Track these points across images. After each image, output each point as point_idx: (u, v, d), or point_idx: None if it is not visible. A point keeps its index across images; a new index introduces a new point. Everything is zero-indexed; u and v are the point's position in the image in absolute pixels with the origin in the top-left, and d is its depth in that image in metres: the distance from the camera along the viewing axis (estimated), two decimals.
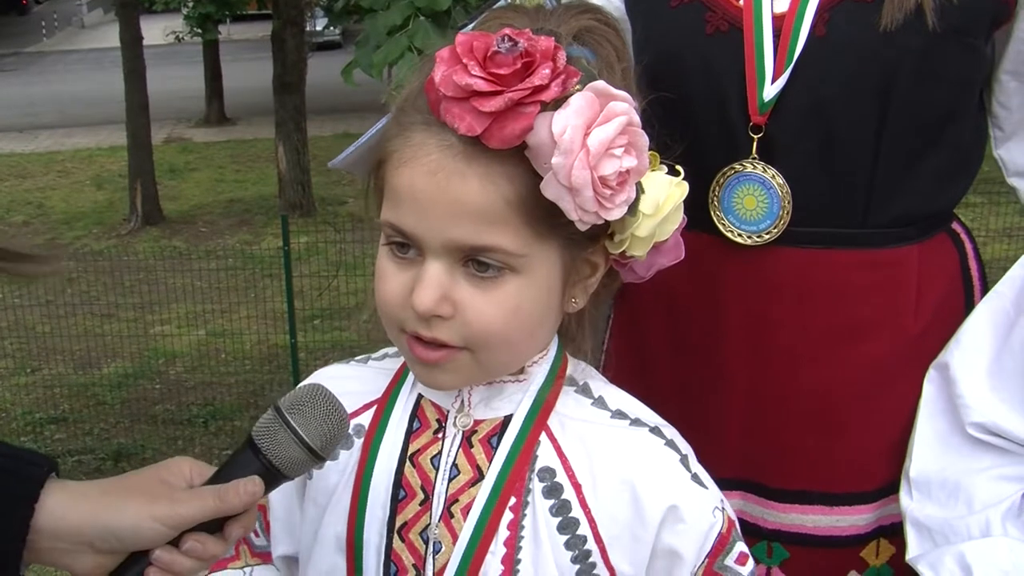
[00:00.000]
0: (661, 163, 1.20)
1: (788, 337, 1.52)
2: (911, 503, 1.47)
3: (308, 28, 16.08)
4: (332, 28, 23.77)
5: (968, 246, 1.61)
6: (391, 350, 1.35)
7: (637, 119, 1.08)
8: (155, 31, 20.64)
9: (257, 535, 1.38)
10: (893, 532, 1.56)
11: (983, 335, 1.46)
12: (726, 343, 1.55)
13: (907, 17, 1.39)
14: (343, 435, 1.14)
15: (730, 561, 1.22)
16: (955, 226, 1.61)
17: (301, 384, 1.17)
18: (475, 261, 1.11)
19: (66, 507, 1.05)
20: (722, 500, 1.25)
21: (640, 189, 1.13)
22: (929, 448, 1.48)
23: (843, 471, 1.55)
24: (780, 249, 1.49)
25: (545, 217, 1.09)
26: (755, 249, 1.50)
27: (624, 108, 1.06)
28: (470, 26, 1.39)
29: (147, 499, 1.06)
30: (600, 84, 1.06)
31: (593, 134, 1.04)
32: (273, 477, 1.11)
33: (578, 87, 1.06)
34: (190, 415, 7.54)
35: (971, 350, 1.46)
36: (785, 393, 1.54)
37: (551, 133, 1.03)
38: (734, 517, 1.26)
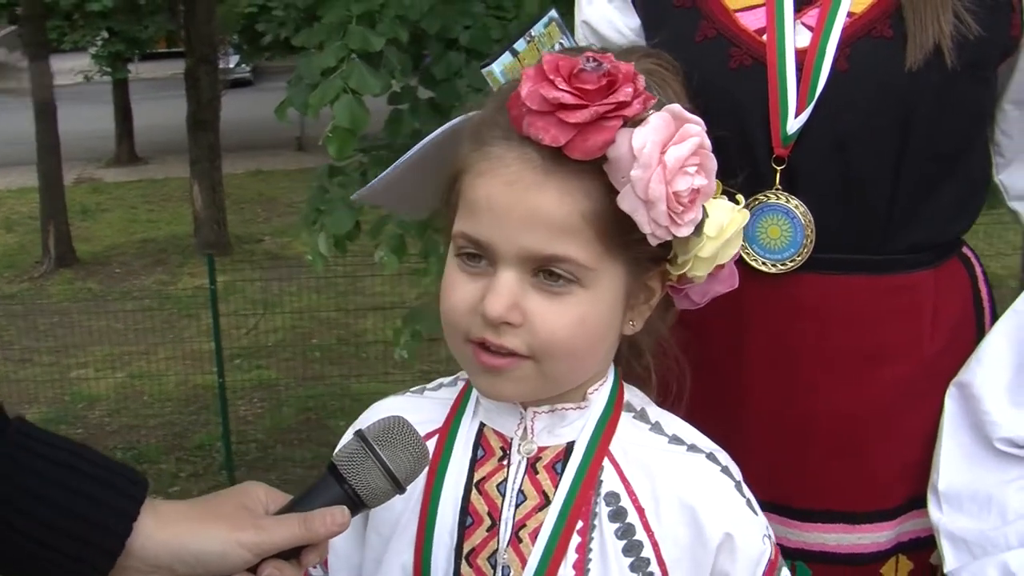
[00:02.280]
0: (722, 192, 1.25)
1: (810, 360, 1.54)
2: (942, 516, 1.50)
3: (220, 65, 15.95)
4: (243, 65, 23.59)
5: (978, 269, 1.66)
6: (446, 380, 1.37)
7: (708, 143, 1.13)
8: (63, 70, 20.19)
9: (314, 567, 1.35)
10: (912, 548, 1.59)
11: (1003, 352, 1.50)
12: (749, 366, 1.57)
13: (927, 55, 1.43)
14: (424, 467, 1.16)
15: None
16: (965, 251, 1.65)
17: (381, 416, 1.17)
18: (545, 272, 1.14)
19: (153, 530, 1.04)
20: (767, 526, 1.28)
21: (705, 212, 1.17)
22: (956, 462, 1.50)
23: (865, 490, 1.57)
24: (802, 275, 1.52)
25: (617, 234, 1.13)
26: (778, 275, 1.53)
27: (697, 131, 1.12)
28: (492, 64, 1.41)
29: (232, 526, 1.06)
30: (676, 107, 1.12)
31: (670, 151, 1.09)
32: (353, 506, 1.11)
33: (654, 109, 1.11)
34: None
35: (993, 367, 1.50)
36: (807, 416, 1.56)
37: (631, 147, 1.08)
38: (775, 542, 1.29)
